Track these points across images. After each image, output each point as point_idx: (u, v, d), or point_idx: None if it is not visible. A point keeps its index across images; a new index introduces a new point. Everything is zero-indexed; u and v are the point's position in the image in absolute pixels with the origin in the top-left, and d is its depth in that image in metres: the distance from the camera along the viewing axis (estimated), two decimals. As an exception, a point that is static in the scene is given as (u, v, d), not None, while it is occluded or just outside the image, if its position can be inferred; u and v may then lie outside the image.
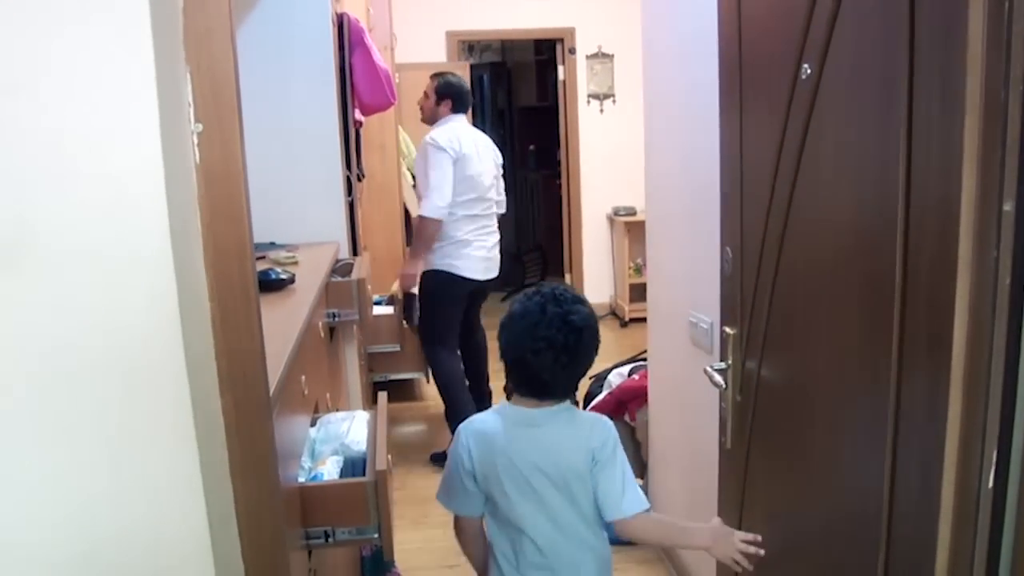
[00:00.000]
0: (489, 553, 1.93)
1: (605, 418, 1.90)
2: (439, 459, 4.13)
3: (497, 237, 4.29)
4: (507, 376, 1.88)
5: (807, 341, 1.52)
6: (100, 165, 0.90)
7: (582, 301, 1.82)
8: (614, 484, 1.78)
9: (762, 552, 1.70)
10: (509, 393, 1.90)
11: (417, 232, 4.11)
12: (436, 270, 4.10)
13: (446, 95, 4.16)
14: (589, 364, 1.83)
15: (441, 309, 4.21)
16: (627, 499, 1.78)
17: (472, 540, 1.96)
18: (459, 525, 1.96)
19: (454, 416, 4.14)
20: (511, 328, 1.80)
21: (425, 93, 4.23)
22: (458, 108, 4.20)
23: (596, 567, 1.85)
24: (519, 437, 1.81)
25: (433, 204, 3.94)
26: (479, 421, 1.90)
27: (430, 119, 4.22)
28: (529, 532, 1.79)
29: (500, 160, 4.35)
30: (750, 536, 1.73)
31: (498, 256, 4.31)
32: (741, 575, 1.77)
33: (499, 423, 1.85)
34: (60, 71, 0.86)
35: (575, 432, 1.81)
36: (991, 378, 1.03)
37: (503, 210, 4.37)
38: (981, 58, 1.00)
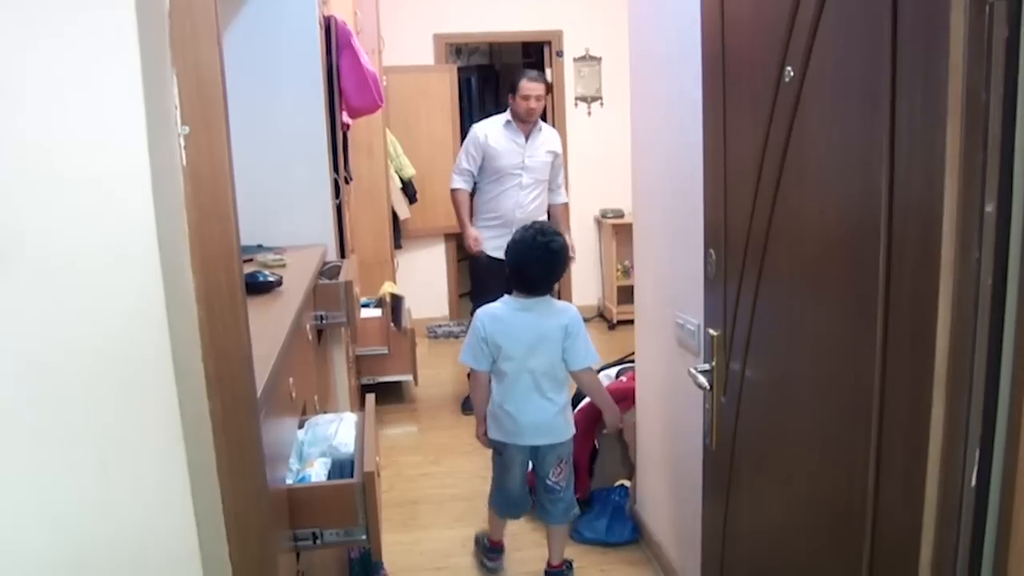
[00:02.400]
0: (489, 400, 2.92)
1: (571, 305, 2.93)
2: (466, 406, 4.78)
3: None
4: (510, 278, 2.87)
5: (791, 342, 1.53)
6: (86, 168, 0.90)
7: (558, 234, 2.88)
8: (578, 347, 2.79)
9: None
10: (510, 290, 2.89)
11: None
12: None
13: None
14: (562, 272, 2.95)
15: None
16: (588, 357, 2.82)
17: (481, 387, 2.93)
18: (475, 377, 2.95)
19: None
20: (515, 248, 2.84)
21: (539, 96, 4.59)
22: None
23: (559, 395, 2.85)
24: (518, 317, 2.81)
25: None
26: (492, 307, 2.87)
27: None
28: (517, 374, 2.78)
29: None
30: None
31: None
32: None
33: (505, 309, 2.85)
34: (46, 74, 0.85)
35: (553, 314, 2.82)
36: (974, 377, 1.04)
37: None
38: (963, 61, 1.01)
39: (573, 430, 2.92)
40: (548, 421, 2.82)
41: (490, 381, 2.91)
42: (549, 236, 2.81)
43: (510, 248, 2.86)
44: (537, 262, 2.78)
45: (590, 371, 2.88)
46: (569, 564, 3.07)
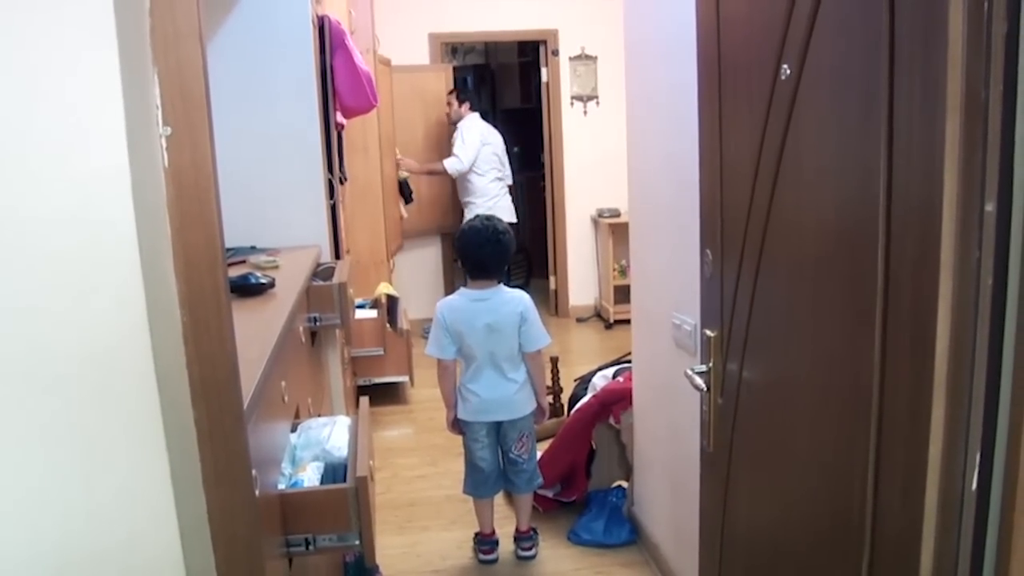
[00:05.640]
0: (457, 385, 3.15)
1: (523, 292, 3.13)
2: None
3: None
4: (464, 266, 3.14)
5: (789, 343, 1.51)
6: (63, 169, 0.88)
7: (501, 221, 3.11)
8: (532, 332, 3.04)
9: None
10: (464, 282, 3.15)
11: None
12: None
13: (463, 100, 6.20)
14: (510, 255, 3.17)
15: None
16: (541, 339, 3.07)
17: (447, 376, 3.12)
18: (441, 366, 3.11)
19: None
20: (467, 236, 3.08)
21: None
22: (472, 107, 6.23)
23: (518, 374, 3.09)
24: (475, 307, 3.03)
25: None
26: (451, 300, 3.13)
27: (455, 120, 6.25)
28: (479, 358, 3.03)
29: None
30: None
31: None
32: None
33: (462, 300, 3.08)
34: (20, 72, 0.83)
35: (507, 302, 3.05)
36: (974, 379, 1.02)
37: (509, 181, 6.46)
38: (962, 58, 0.99)
39: (533, 405, 3.15)
40: (510, 397, 3.07)
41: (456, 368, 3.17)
42: (494, 222, 3.10)
43: (462, 236, 3.12)
44: (487, 243, 3.02)
45: (539, 352, 3.14)
46: (535, 530, 3.32)
